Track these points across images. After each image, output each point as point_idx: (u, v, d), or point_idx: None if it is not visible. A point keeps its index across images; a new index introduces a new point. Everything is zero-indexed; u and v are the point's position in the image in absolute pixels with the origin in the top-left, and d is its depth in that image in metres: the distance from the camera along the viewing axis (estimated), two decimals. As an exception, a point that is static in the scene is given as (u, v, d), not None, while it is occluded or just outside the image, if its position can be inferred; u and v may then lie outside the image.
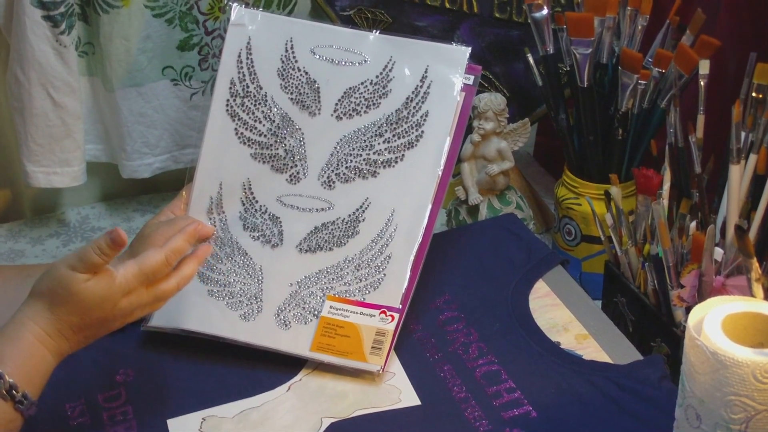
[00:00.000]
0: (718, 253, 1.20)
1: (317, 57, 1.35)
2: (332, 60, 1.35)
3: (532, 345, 1.27)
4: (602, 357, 1.26)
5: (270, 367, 1.26)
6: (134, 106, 1.63)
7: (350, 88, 1.34)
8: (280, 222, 1.33)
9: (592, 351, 1.28)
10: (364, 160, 1.32)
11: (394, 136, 1.32)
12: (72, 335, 1.09)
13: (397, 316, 1.26)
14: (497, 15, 1.63)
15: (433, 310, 1.34)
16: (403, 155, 1.31)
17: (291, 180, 1.34)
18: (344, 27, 1.39)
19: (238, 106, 1.36)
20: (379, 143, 1.32)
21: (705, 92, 1.31)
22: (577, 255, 1.50)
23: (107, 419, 1.21)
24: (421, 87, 1.32)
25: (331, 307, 1.27)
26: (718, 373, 1.02)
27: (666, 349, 1.27)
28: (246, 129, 1.35)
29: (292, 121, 1.35)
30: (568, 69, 1.47)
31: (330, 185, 1.32)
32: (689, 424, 1.02)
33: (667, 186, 1.29)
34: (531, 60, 1.52)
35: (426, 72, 1.33)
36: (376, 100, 1.33)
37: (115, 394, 1.24)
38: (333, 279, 1.29)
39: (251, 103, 1.35)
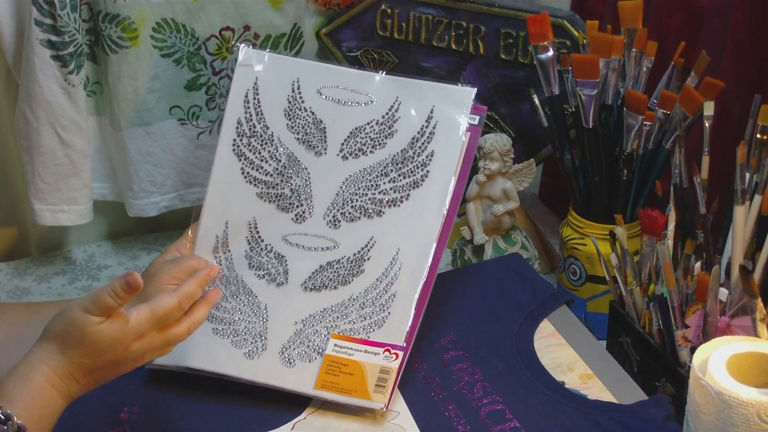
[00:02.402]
0: (723, 293, 1.21)
1: (324, 97, 1.36)
2: (338, 100, 1.36)
3: (537, 384, 1.27)
4: (607, 397, 1.26)
5: (274, 406, 1.26)
6: (141, 145, 1.64)
7: (356, 128, 1.35)
8: (286, 261, 1.33)
9: (596, 391, 1.27)
10: (369, 199, 1.33)
11: (399, 175, 1.32)
12: (82, 377, 1.09)
13: (401, 354, 1.26)
14: (503, 56, 1.64)
15: (438, 349, 1.34)
16: (408, 195, 1.32)
17: (297, 219, 1.34)
18: (351, 68, 1.40)
19: (245, 146, 1.36)
20: (384, 183, 1.33)
21: (710, 133, 1.31)
22: (582, 295, 1.50)
23: (111, 457, 1.21)
24: (426, 127, 1.33)
25: (335, 345, 1.28)
26: (723, 413, 1.02)
27: (671, 389, 1.27)
28: (252, 168, 1.36)
29: (298, 161, 1.35)
30: (574, 110, 1.47)
31: (335, 224, 1.33)
32: (694, 464, 1.02)
33: (671, 226, 1.29)
34: (536, 101, 1.53)
35: (432, 112, 1.33)
36: (382, 140, 1.34)
37: (120, 432, 1.24)
38: (338, 317, 1.29)
39: (258, 143, 1.36)
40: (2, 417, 1.02)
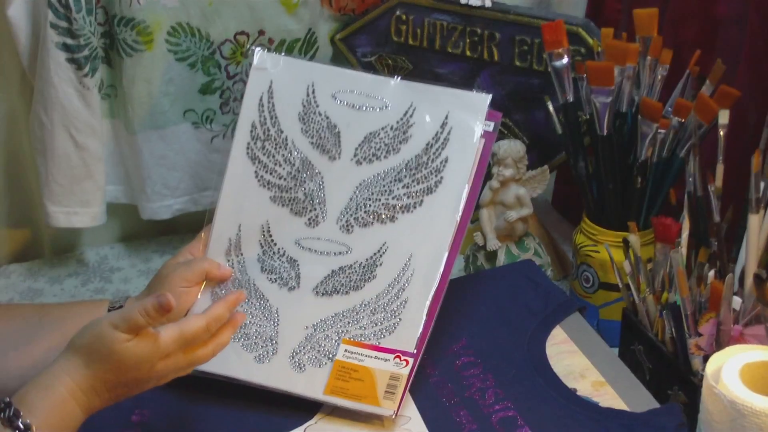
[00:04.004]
0: (737, 302, 1.20)
1: (338, 102, 1.36)
2: (353, 105, 1.36)
3: (548, 391, 1.27)
4: (619, 404, 1.26)
5: (285, 410, 1.25)
6: (155, 149, 1.64)
7: (371, 133, 1.35)
8: (298, 265, 1.33)
9: (608, 398, 1.27)
10: (382, 204, 1.32)
11: (413, 181, 1.32)
12: (105, 392, 1.09)
13: (411, 360, 1.25)
14: (518, 63, 1.64)
15: (450, 355, 1.34)
16: (422, 200, 1.32)
17: (309, 223, 1.34)
18: (366, 72, 1.40)
19: (259, 150, 1.36)
20: (398, 188, 1.33)
21: (724, 142, 1.31)
22: (594, 302, 1.50)
23: (122, 459, 1.21)
24: (441, 133, 1.33)
25: (345, 350, 1.27)
26: (736, 422, 1.01)
27: (683, 397, 1.26)
28: (266, 172, 1.36)
29: (312, 165, 1.35)
30: (588, 117, 1.47)
31: (348, 229, 1.33)
32: (706, 473, 1.02)
33: (685, 234, 1.29)
34: (551, 108, 1.53)
35: (446, 118, 1.33)
36: (397, 145, 1.34)
37: (130, 435, 1.24)
38: (348, 323, 1.29)
39: (272, 147, 1.36)
40: (22, 427, 1.03)
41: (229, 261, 1.34)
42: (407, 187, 1.32)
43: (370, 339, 1.28)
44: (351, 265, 1.32)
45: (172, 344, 1.10)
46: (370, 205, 1.33)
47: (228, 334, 1.16)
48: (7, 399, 1.05)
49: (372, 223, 1.32)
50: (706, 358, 1.14)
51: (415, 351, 1.26)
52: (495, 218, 1.57)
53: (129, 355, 1.07)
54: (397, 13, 1.69)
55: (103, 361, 1.07)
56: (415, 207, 1.32)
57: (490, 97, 1.32)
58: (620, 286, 1.37)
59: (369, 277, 1.31)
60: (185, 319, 1.12)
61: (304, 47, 1.66)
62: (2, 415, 1.03)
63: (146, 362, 1.08)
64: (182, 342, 1.10)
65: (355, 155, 1.34)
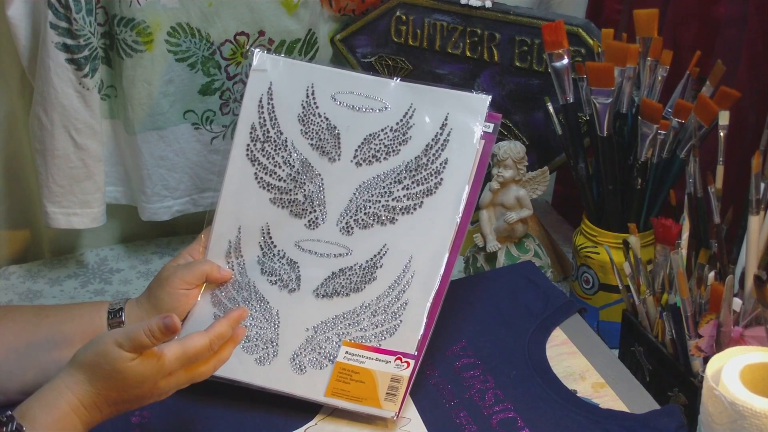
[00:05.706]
0: (737, 303, 1.20)
1: (338, 103, 1.36)
2: (353, 106, 1.36)
3: (548, 393, 1.27)
4: (619, 406, 1.26)
5: (285, 412, 1.25)
6: (155, 150, 1.64)
7: (370, 135, 1.35)
8: (298, 267, 1.33)
9: (608, 400, 1.27)
10: (382, 206, 1.32)
11: (413, 183, 1.32)
12: (106, 408, 1.10)
13: (412, 362, 1.25)
14: (518, 64, 1.64)
15: (450, 356, 1.34)
16: (421, 202, 1.32)
17: (309, 225, 1.34)
18: (365, 74, 1.40)
19: (258, 151, 1.36)
20: (398, 190, 1.32)
21: (724, 143, 1.31)
22: (594, 303, 1.50)
23: (122, 461, 1.21)
24: (440, 134, 1.33)
25: (346, 352, 1.27)
26: (736, 423, 1.01)
27: (683, 398, 1.26)
28: (266, 174, 1.36)
29: (312, 167, 1.35)
30: (588, 118, 1.47)
31: (348, 231, 1.33)
32: (706, 475, 1.02)
33: (685, 236, 1.29)
34: (551, 109, 1.53)
35: (446, 120, 1.33)
36: (396, 146, 1.34)
37: (131, 436, 1.24)
38: (349, 324, 1.29)
39: (271, 148, 1.36)
40: None
41: (229, 263, 1.34)
42: (407, 189, 1.32)
43: (370, 341, 1.28)
44: (351, 267, 1.31)
45: (175, 362, 1.10)
46: (369, 207, 1.32)
47: (229, 350, 1.16)
48: (9, 413, 1.05)
49: (372, 224, 1.32)
50: (706, 360, 1.14)
51: (416, 353, 1.26)
52: (495, 219, 1.57)
53: (132, 374, 1.07)
54: (397, 13, 1.69)
55: (107, 379, 1.08)
56: (415, 209, 1.32)
57: (489, 98, 1.32)
58: (620, 287, 1.37)
59: (369, 279, 1.31)
60: (188, 336, 1.12)
61: (304, 48, 1.66)
62: (5, 429, 1.04)
63: (149, 380, 1.09)
64: (185, 360, 1.11)
65: (354, 157, 1.34)
